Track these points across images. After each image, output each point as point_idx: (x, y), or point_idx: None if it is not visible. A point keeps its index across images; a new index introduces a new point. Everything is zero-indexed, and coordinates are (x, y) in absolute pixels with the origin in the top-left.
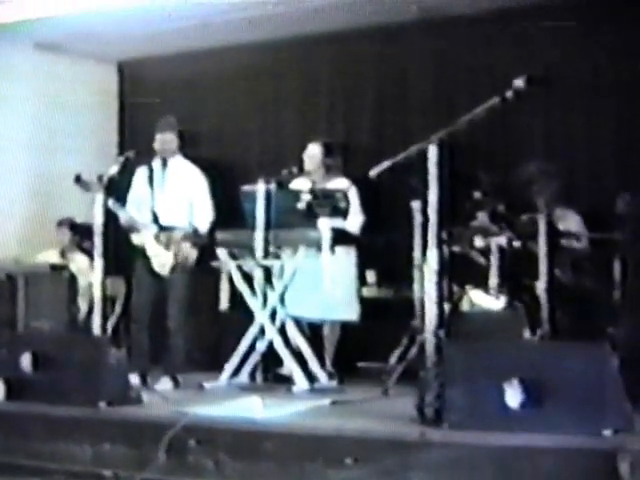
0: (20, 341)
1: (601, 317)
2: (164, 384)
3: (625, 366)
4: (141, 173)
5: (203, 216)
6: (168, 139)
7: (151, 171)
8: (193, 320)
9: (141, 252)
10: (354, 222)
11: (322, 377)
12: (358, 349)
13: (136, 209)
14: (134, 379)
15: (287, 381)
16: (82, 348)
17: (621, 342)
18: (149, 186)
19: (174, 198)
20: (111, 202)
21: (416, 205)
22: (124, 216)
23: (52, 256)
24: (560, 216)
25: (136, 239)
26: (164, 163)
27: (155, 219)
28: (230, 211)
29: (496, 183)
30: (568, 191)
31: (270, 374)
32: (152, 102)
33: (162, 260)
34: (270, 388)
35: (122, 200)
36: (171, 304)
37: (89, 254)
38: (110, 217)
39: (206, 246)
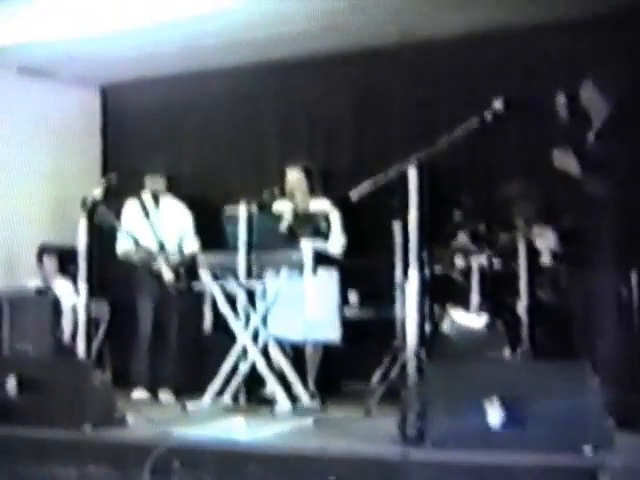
0: (5, 364)
1: (581, 336)
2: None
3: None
4: (133, 206)
5: (192, 247)
6: (157, 180)
7: (143, 205)
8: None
9: (154, 276)
10: (336, 243)
11: (304, 398)
12: (340, 369)
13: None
14: (142, 394)
15: (270, 402)
16: (66, 371)
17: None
18: (146, 219)
19: (167, 231)
20: (130, 247)
21: (397, 226)
22: (142, 254)
23: (36, 283)
24: (538, 234)
25: (155, 265)
26: (156, 200)
27: (162, 247)
28: (213, 233)
29: (476, 203)
30: (547, 210)
31: (253, 395)
32: (135, 125)
33: (172, 283)
34: (253, 409)
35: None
36: (172, 324)
37: (72, 277)
38: (94, 240)
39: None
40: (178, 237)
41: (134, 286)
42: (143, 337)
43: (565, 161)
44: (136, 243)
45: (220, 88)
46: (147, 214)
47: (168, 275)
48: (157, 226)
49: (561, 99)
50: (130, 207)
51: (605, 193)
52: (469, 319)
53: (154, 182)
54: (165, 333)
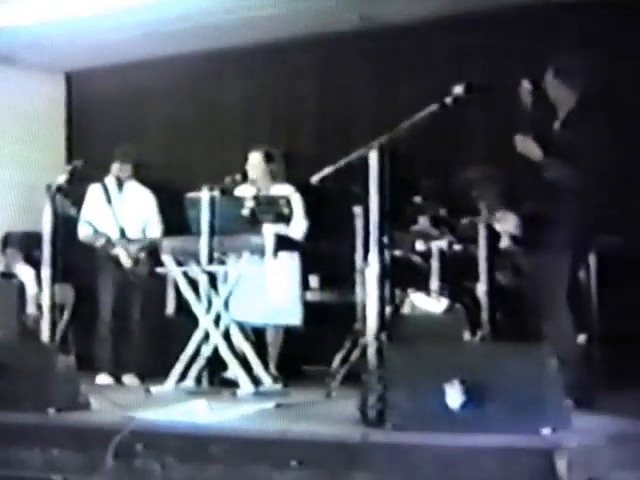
0: None
1: (540, 318)
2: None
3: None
4: (96, 191)
5: (155, 231)
6: (125, 168)
7: (106, 190)
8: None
9: (113, 262)
10: (297, 228)
11: (267, 381)
12: (302, 352)
13: (95, 224)
14: (106, 379)
15: (232, 385)
16: (31, 355)
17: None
18: (108, 204)
19: (130, 216)
20: (90, 232)
21: (358, 210)
22: (101, 241)
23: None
24: (499, 218)
25: (114, 251)
26: (119, 185)
27: (122, 233)
28: (176, 218)
29: (437, 188)
30: (509, 195)
31: (216, 378)
32: (100, 111)
33: (131, 268)
34: (216, 392)
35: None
36: (135, 308)
37: (36, 263)
38: (58, 225)
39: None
40: (142, 222)
41: (97, 271)
42: (105, 321)
43: (526, 146)
44: (95, 230)
45: (184, 73)
46: (109, 199)
47: (126, 262)
48: (119, 211)
49: (525, 86)
50: (93, 192)
51: (566, 179)
52: (429, 303)
53: (121, 168)
54: (128, 317)
